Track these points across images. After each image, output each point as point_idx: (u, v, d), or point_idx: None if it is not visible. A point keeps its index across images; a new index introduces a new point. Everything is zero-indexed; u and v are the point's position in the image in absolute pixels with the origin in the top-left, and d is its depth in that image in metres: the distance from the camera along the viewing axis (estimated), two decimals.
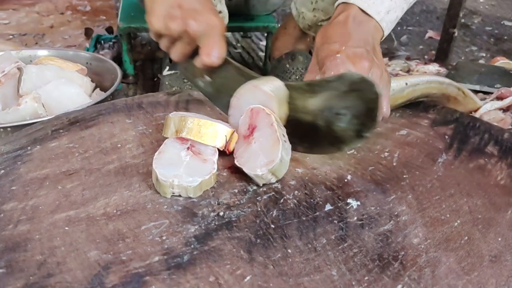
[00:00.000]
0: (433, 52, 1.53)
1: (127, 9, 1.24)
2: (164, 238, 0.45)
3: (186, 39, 0.62)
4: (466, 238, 0.48)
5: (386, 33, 0.68)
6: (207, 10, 0.62)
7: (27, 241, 0.44)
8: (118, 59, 1.23)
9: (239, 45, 1.53)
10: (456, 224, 0.50)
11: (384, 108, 0.61)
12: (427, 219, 0.50)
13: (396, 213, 0.51)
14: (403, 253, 0.45)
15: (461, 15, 1.26)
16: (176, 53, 0.65)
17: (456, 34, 1.29)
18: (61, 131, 0.62)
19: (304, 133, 0.59)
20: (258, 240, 0.46)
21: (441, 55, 1.33)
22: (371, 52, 0.63)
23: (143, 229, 0.46)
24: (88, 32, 1.41)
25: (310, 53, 1.15)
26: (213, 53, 0.61)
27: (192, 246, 0.44)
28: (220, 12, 0.95)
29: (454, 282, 0.42)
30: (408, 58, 1.43)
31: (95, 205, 0.49)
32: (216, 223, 0.48)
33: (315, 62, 0.65)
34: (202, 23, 0.61)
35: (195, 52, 0.64)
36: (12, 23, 1.57)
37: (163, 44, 0.66)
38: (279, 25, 1.19)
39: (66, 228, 0.46)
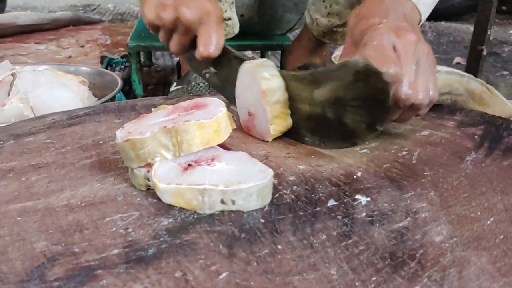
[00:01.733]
0: None
1: (139, 31, 1.22)
2: (129, 230, 0.38)
3: (181, 28, 0.59)
4: (502, 237, 0.39)
5: (423, 18, 0.61)
6: None
7: None
8: (128, 82, 1.20)
9: None
10: (489, 222, 0.41)
11: (431, 91, 0.52)
12: (453, 217, 0.41)
13: (414, 210, 0.42)
14: (421, 251, 0.36)
15: (489, 32, 1.18)
16: (174, 45, 0.61)
17: (485, 52, 1.20)
18: (41, 127, 0.57)
19: (315, 126, 0.54)
20: (243, 235, 0.38)
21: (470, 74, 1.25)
22: (416, 28, 0.56)
23: (107, 221, 0.39)
24: (103, 59, 1.40)
25: None
26: (210, 43, 0.57)
27: (161, 239, 0.37)
28: (229, 19, 0.91)
29: (487, 284, 0.33)
30: None
31: (58, 197, 0.42)
32: (195, 216, 0.40)
33: (351, 44, 0.57)
34: (196, 10, 0.57)
35: (194, 42, 0.60)
36: (32, 54, 1.59)
37: (160, 36, 0.62)
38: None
39: (18, 218, 0.39)
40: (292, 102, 0.54)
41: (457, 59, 1.69)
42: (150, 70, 1.41)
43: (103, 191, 0.44)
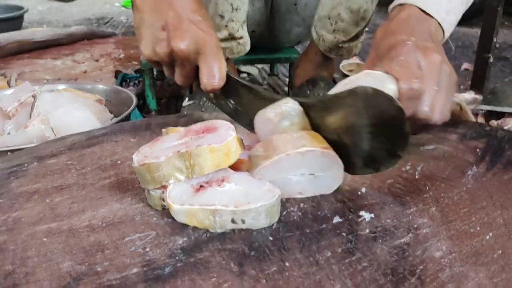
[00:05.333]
0: (469, 82, 1.45)
1: None
2: (147, 249, 0.41)
3: (178, 61, 0.57)
4: (500, 252, 0.41)
5: (446, 35, 0.63)
6: (196, 24, 0.57)
7: (0, 252, 0.40)
8: (142, 97, 1.23)
9: (265, 82, 1.52)
10: (487, 237, 0.43)
11: (446, 113, 0.54)
12: (452, 232, 0.44)
13: (415, 226, 0.44)
14: (421, 267, 0.39)
15: (495, 39, 1.19)
16: (178, 77, 0.60)
17: (491, 60, 1.22)
18: (62, 149, 0.60)
19: (337, 152, 0.50)
20: (252, 252, 0.40)
21: (477, 83, 1.26)
22: (440, 48, 0.58)
23: (126, 241, 0.42)
24: (117, 74, 1.44)
25: (334, 81, 1.11)
26: (213, 75, 0.56)
27: (177, 258, 0.40)
28: (241, 37, 0.93)
29: None
30: None
31: (80, 218, 0.46)
32: (208, 235, 0.43)
33: (374, 56, 0.58)
34: (189, 40, 0.55)
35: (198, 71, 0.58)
36: (49, 69, 1.63)
37: (165, 71, 0.61)
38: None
39: (44, 239, 0.42)
40: (314, 129, 0.53)
41: (465, 65, 1.69)
42: (162, 84, 1.45)
43: (122, 211, 0.47)
